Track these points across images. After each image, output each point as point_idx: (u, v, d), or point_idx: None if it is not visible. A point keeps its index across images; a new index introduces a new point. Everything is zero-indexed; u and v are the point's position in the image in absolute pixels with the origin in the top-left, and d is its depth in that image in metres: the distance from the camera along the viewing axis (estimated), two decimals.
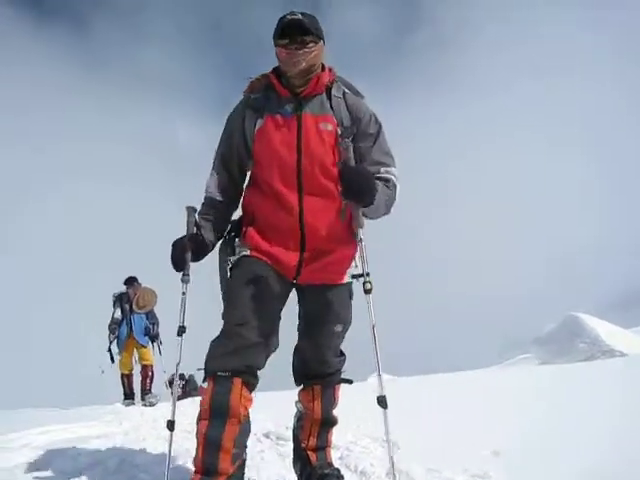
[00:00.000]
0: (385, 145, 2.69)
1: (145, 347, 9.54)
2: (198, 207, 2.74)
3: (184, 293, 2.60)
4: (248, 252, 2.58)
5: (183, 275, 2.62)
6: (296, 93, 2.62)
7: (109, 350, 9.36)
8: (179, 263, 2.61)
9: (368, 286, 2.43)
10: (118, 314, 9.55)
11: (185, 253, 2.61)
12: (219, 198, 2.73)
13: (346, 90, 2.69)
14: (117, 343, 9.42)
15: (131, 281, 9.76)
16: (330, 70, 2.73)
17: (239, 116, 2.67)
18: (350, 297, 2.70)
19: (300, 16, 2.51)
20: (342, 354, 2.79)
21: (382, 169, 2.63)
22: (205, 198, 2.75)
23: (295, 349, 2.78)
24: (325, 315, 2.65)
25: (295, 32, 2.51)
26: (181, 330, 2.56)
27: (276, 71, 2.68)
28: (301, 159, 2.54)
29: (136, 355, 9.55)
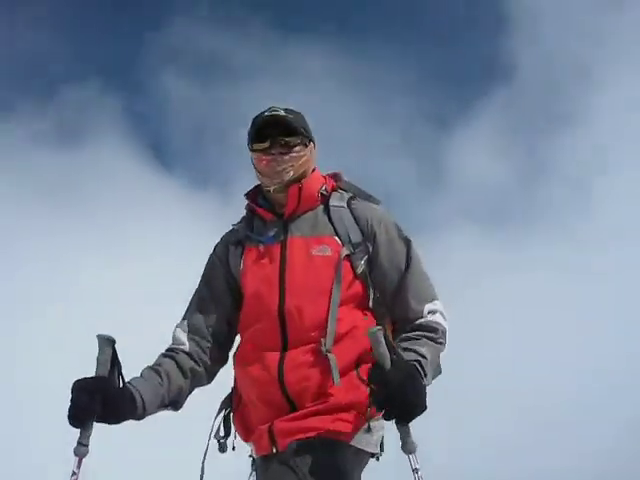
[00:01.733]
0: (422, 270, 1.94)
1: None
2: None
3: (75, 473, 1.64)
4: (253, 452, 1.91)
5: (78, 443, 1.66)
6: (282, 214, 1.98)
7: None
8: (76, 417, 1.65)
9: None
10: None
11: (89, 404, 1.63)
12: (187, 349, 1.95)
13: (352, 197, 2.02)
14: None
15: None
16: (331, 177, 2.11)
17: (222, 255, 2.06)
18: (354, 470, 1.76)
19: (282, 112, 1.95)
20: None
21: (426, 307, 1.87)
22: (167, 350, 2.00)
23: None
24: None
25: (277, 133, 1.93)
26: None
27: (257, 189, 2.09)
28: (284, 299, 1.85)
29: None
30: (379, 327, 1.70)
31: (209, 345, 1.97)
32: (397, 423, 1.63)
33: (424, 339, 1.82)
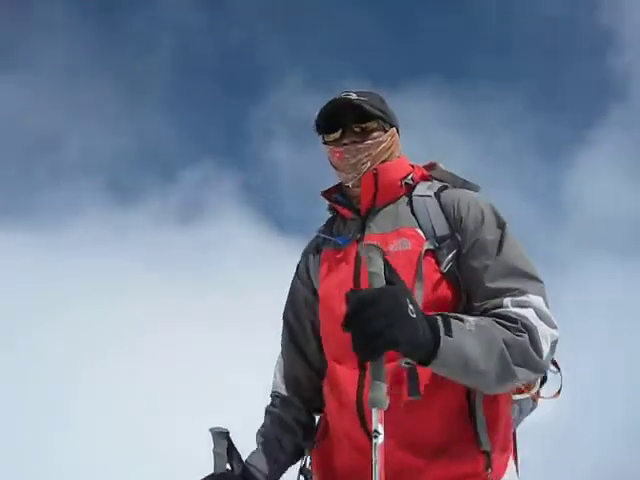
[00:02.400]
0: (514, 258, 1.51)
1: None
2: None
3: None
4: None
5: None
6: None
7: None
8: None
9: None
10: None
11: None
12: (285, 393, 1.78)
13: (445, 186, 1.69)
14: None
15: None
16: (426, 167, 1.80)
17: (303, 270, 1.81)
18: None
19: (354, 95, 1.67)
20: None
21: (506, 300, 1.43)
22: (270, 398, 1.83)
23: None
24: None
25: (349, 119, 1.65)
26: None
27: (338, 186, 1.81)
28: None
29: None
30: (376, 243, 1.32)
31: (306, 381, 1.77)
32: (361, 358, 1.21)
33: (487, 319, 1.39)
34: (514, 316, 1.38)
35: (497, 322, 1.37)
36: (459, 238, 1.55)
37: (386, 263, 1.23)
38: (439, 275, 1.52)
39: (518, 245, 1.54)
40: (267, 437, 1.71)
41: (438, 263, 1.53)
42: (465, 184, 1.71)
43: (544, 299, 1.45)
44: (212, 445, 1.61)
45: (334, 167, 1.73)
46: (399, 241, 1.57)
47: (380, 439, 1.18)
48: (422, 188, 1.68)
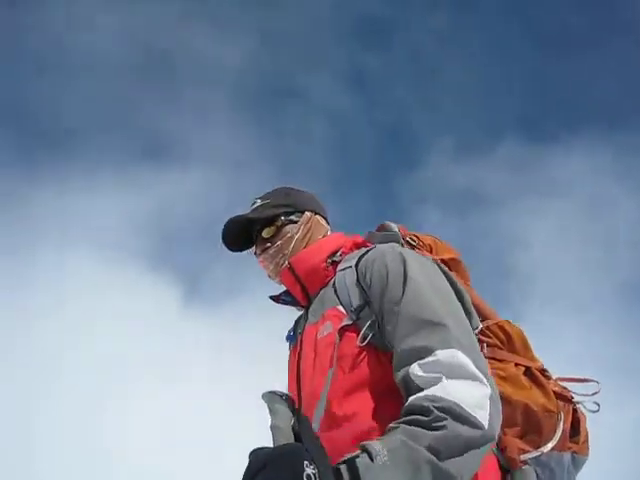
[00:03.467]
0: (416, 308, 1.31)
1: None
2: None
3: None
4: None
5: None
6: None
7: None
8: None
9: None
10: None
11: None
12: None
13: (371, 249, 1.55)
14: None
15: None
16: (377, 232, 1.71)
17: None
18: None
19: (259, 201, 1.75)
20: None
21: (412, 368, 1.23)
22: None
23: None
24: None
25: (256, 229, 1.72)
26: None
27: None
28: (301, 402, 1.48)
29: None
30: (277, 391, 1.39)
31: None
32: None
33: (399, 430, 1.13)
34: (426, 405, 1.14)
35: (412, 425, 1.13)
36: (373, 305, 1.40)
37: (294, 411, 1.24)
38: (357, 350, 1.37)
39: (421, 289, 1.34)
40: None
41: (359, 337, 1.38)
42: (384, 238, 1.62)
43: (458, 344, 1.22)
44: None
45: (268, 276, 1.74)
46: (324, 326, 1.48)
47: None
48: (347, 260, 1.57)
